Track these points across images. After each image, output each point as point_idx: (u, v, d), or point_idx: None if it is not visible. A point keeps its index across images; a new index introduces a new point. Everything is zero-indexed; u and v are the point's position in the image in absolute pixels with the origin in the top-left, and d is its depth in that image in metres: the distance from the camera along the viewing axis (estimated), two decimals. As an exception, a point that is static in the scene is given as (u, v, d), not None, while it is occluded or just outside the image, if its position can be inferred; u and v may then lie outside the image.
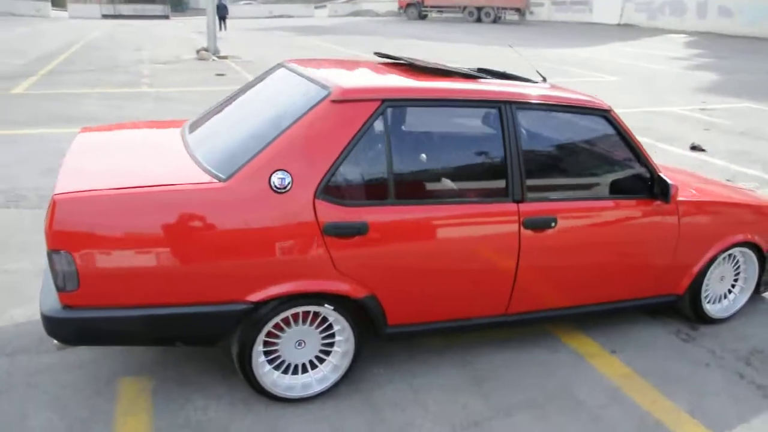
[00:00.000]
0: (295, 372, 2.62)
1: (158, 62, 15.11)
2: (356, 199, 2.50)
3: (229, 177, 2.35)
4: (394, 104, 2.56)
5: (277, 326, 2.51)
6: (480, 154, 2.88)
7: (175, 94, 10.16)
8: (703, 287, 3.30)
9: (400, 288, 2.61)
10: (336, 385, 2.67)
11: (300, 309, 2.49)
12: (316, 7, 48.32)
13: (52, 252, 2.19)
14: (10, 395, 2.56)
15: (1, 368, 2.72)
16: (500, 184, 2.71)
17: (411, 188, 2.66)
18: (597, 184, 3.08)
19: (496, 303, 2.82)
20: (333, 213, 2.41)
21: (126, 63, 14.63)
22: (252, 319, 2.42)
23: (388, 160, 2.51)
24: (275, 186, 2.35)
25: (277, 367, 2.58)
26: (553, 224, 2.74)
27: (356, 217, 2.44)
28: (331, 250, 2.42)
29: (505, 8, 36.42)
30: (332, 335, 2.61)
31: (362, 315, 2.58)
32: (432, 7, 38.23)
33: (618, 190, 2.97)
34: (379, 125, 2.50)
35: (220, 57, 16.48)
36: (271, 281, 2.39)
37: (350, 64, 3.21)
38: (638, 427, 2.58)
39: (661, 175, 2.94)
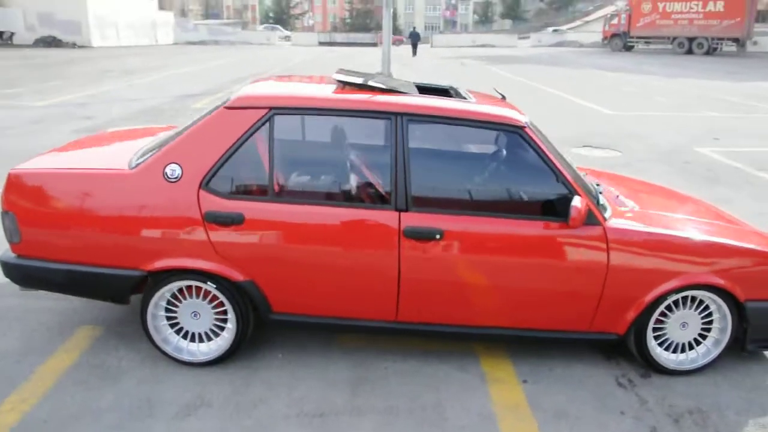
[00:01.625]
0: (194, 339, 3.01)
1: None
2: (236, 192, 2.83)
3: (135, 167, 2.86)
4: (282, 112, 2.84)
5: (175, 296, 2.93)
6: (367, 161, 2.99)
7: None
8: (649, 331, 2.98)
9: (279, 278, 2.86)
10: (233, 359, 3.01)
11: (186, 283, 2.88)
12: (519, 38, 48.45)
13: (3, 212, 2.89)
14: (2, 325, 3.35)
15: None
16: (384, 191, 2.82)
17: (291, 189, 2.90)
18: (500, 202, 2.98)
19: (383, 308, 2.91)
20: (213, 203, 2.78)
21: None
22: (148, 286, 2.88)
23: (270, 161, 2.80)
24: (167, 176, 2.79)
25: (178, 332, 3.00)
26: (438, 236, 2.77)
27: (233, 208, 2.77)
28: (211, 235, 2.79)
29: (721, 38, 32.87)
30: (225, 312, 2.95)
31: (246, 298, 2.89)
32: (638, 38, 35.97)
33: (526, 209, 2.88)
34: (264, 130, 2.81)
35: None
36: (160, 255, 2.83)
37: (299, 79, 3.45)
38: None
39: (577, 197, 2.74)
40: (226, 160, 2.79)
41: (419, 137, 2.90)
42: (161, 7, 46.83)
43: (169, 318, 2.98)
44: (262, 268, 2.84)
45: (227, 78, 17.39)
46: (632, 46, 36.65)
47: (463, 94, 3.18)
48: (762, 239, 3.08)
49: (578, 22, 58.24)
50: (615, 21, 37.11)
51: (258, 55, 31.49)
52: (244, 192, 2.85)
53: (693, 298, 2.96)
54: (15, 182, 2.89)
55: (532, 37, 48.63)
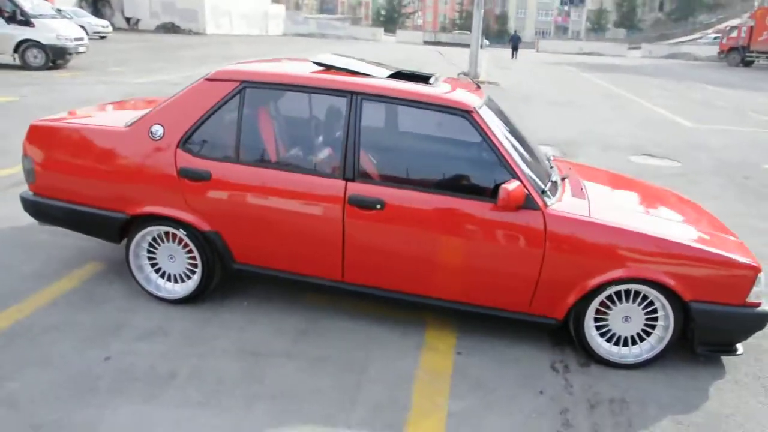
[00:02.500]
0: (173, 280, 3.40)
1: (416, 83, 16.92)
2: (207, 153, 3.16)
3: (129, 126, 3.29)
4: (252, 86, 3.14)
5: (154, 239, 3.34)
6: (323, 134, 3.23)
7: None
8: (587, 320, 3.04)
9: (240, 232, 3.18)
10: (204, 301, 3.40)
11: (164, 228, 3.27)
12: (630, 48, 46.44)
13: (23, 156, 3.42)
14: (26, 251, 3.92)
15: (23, 238, 4.10)
16: (335, 162, 3.07)
17: (254, 154, 3.19)
18: (442, 180, 3.11)
19: (330, 268, 3.15)
20: (187, 161, 3.14)
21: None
22: (132, 227, 3.31)
23: (238, 128, 3.12)
24: (152, 134, 3.19)
25: (158, 272, 3.41)
26: (378, 206, 2.98)
27: (203, 166, 3.13)
28: (184, 189, 3.16)
29: None
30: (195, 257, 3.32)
31: (212, 247, 3.24)
32: (759, 53, 33.39)
33: (466, 189, 2.99)
34: (235, 101, 3.13)
35: (477, 81, 17.61)
36: (142, 203, 3.23)
37: (288, 61, 3.66)
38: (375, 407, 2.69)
39: (513, 181, 2.84)
40: (201, 124, 3.15)
41: (373, 116, 3.12)
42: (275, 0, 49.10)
43: (150, 259, 3.39)
44: (225, 222, 3.18)
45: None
46: (752, 61, 34.09)
47: (439, 82, 3.34)
48: (729, 246, 3.02)
49: (697, 35, 54.87)
50: (734, 34, 34.66)
51: (356, 49, 32.30)
52: (214, 153, 3.18)
53: (637, 293, 2.98)
54: (33, 132, 3.41)
55: (643, 47, 46.41)
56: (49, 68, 14.01)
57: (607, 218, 2.96)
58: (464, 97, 3.07)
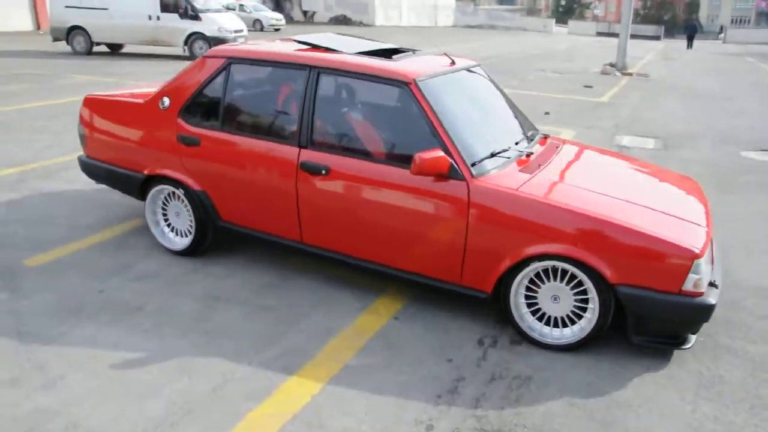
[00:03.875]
0: (180, 235, 3.98)
1: (557, 72, 16.38)
2: (198, 122, 3.66)
3: (146, 100, 3.90)
4: (236, 62, 3.57)
5: (165, 198, 3.94)
6: (287, 105, 3.50)
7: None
8: (512, 295, 3.03)
9: (222, 192, 3.64)
10: (207, 254, 3.94)
11: (168, 188, 3.85)
12: None
13: (78, 124, 4.22)
14: (90, 208, 4.78)
15: (95, 197, 4.95)
16: (293, 130, 3.39)
17: (233, 122, 3.61)
18: (381, 149, 3.26)
19: (291, 229, 3.49)
20: (183, 128, 3.68)
21: (526, 70, 16.41)
22: (148, 186, 3.94)
23: (222, 100, 3.59)
24: (162, 105, 3.78)
25: (169, 227, 4.01)
26: (324, 172, 3.25)
27: (194, 133, 3.64)
28: (181, 153, 3.70)
29: None
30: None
31: (203, 205, 3.75)
32: None
33: (403, 159, 3.09)
34: (222, 75, 3.59)
35: (624, 73, 16.58)
36: (154, 164, 3.83)
37: (280, 41, 4.00)
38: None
39: (435, 151, 2.91)
40: (196, 96, 3.66)
41: (327, 89, 3.38)
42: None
43: (164, 215, 4.00)
44: (210, 182, 3.66)
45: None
46: None
47: (406, 58, 3.51)
48: (676, 232, 2.82)
49: None
50: None
51: (517, 40, 31.73)
52: (203, 122, 3.67)
53: (566, 272, 2.92)
54: (86, 103, 4.18)
55: None
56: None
57: (535, 193, 2.92)
58: (406, 69, 3.20)
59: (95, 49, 16.32)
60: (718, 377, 2.85)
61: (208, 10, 16.25)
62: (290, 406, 2.56)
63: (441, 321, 3.27)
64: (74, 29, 16.27)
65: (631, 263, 2.76)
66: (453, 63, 3.61)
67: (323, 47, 3.54)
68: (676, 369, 2.90)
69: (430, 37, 28.97)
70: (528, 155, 3.37)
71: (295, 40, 3.73)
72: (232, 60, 3.59)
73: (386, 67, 3.23)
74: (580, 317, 2.97)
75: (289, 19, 39.85)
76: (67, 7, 16.12)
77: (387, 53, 3.55)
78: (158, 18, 15.99)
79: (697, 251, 2.70)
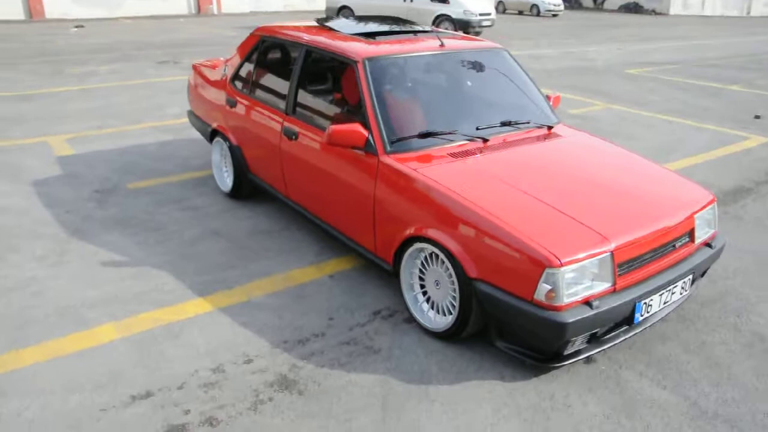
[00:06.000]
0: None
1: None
2: (238, 88, 4.36)
3: (218, 69, 4.75)
4: (265, 39, 4.17)
5: (222, 148, 4.78)
6: (285, 77, 3.91)
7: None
8: (402, 273, 3.09)
9: (248, 147, 4.32)
10: (250, 199, 4.66)
11: (221, 140, 4.67)
12: None
13: (188, 86, 5.29)
14: (199, 151, 5.88)
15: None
16: (284, 101, 3.86)
17: (255, 90, 4.19)
18: (331, 118, 3.56)
19: (281, 184, 4.00)
20: (230, 93, 4.44)
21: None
22: (213, 136, 4.82)
23: (254, 70, 4.23)
24: (223, 74, 4.60)
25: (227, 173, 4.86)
26: (294, 137, 3.68)
27: (234, 96, 4.38)
28: (226, 113, 4.49)
29: None
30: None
31: (238, 157, 4.47)
32: None
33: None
34: (256, 49, 4.23)
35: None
36: (215, 120, 4.69)
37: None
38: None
39: (353, 124, 3.09)
40: (240, 67, 4.38)
41: (311, 64, 3.75)
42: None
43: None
44: (241, 138, 4.36)
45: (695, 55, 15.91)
46: None
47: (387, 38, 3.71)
48: (551, 233, 2.60)
49: None
50: None
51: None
52: (241, 87, 4.36)
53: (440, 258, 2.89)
54: (193, 69, 5.21)
55: None
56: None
57: (430, 176, 2.92)
58: (359, 49, 3.42)
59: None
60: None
61: (456, -7, 16.97)
62: (175, 316, 3.14)
63: (366, 288, 3.46)
64: (343, 8, 18.56)
65: (491, 260, 2.63)
66: (442, 45, 3.65)
67: (327, 27, 3.92)
68: (519, 393, 2.67)
69: (711, 31, 25.27)
70: (485, 141, 3.30)
71: (315, 20, 4.17)
72: (264, 37, 4.20)
73: (344, 47, 3.49)
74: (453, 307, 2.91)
75: (577, 5, 38.45)
76: (339, -11, 18.49)
77: (374, 35, 3.75)
78: (412, 0, 17.28)
79: (553, 260, 2.45)
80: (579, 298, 2.52)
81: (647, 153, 6.02)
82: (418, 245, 2.94)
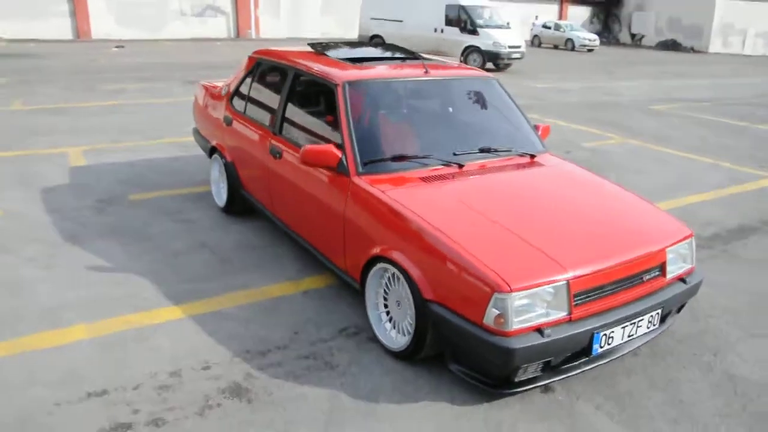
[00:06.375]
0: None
1: None
2: (234, 107, 4.49)
3: (218, 89, 4.91)
4: (261, 61, 4.31)
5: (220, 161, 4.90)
6: (276, 99, 4.01)
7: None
8: (366, 293, 3.12)
9: (240, 164, 4.43)
10: (241, 217, 4.80)
11: (218, 156, 4.79)
12: None
13: (192, 106, 5.48)
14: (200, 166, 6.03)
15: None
16: (275, 120, 3.96)
17: (248, 109, 4.32)
18: (310, 139, 3.59)
19: (267, 200, 4.08)
20: (228, 111, 4.59)
21: None
22: (213, 151, 4.94)
23: (248, 90, 4.36)
24: (223, 91, 4.76)
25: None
26: (278, 156, 3.78)
27: (230, 114, 4.52)
28: (223, 131, 4.63)
29: None
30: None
31: (231, 174, 4.59)
32: None
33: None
34: (252, 72, 4.37)
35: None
36: (214, 137, 4.84)
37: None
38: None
39: (327, 145, 3.20)
40: (237, 87, 4.53)
41: (299, 87, 3.85)
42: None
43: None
44: (235, 155, 4.48)
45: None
46: None
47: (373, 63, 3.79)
48: (507, 256, 2.61)
49: None
50: None
51: None
52: (236, 107, 4.50)
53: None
54: (198, 87, 5.39)
55: None
56: (486, 70, 16.69)
57: (396, 198, 2.96)
58: (340, 73, 3.51)
59: (389, 57, 18.72)
60: None
61: (487, 26, 17.11)
62: (147, 321, 3.22)
63: (337, 306, 3.48)
64: (374, 38, 18.93)
65: (446, 283, 2.64)
66: (426, 72, 3.71)
67: (319, 51, 4.03)
68: (466, 418, 2.64)
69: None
70: (460, 166, 3.34)
71: (308, 44, 4.30)
72: (259, 60, 4.35)
73: (327, 71, 3.59)
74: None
75: (614, 41, 38.34)
76: (372, 18, 18.89)
77: (361, 60, 3.84)
78: (442, 31, 17.57)
79: (503, 285, 2.43)
80: (530, 324, 2.50)
81: (653, 188, 5.97)
82: (381, 265, 2.97)
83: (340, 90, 3.41)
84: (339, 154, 3.19)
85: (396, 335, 3.02)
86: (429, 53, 16.05)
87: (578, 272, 2.58)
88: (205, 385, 2.72)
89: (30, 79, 11.78)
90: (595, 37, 29.90)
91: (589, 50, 29.30)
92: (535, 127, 4.03)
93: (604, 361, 2.82)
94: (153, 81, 12.05)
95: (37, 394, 2.60)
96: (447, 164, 3.33)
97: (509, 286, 2.43)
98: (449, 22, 17.41)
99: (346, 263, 3.28)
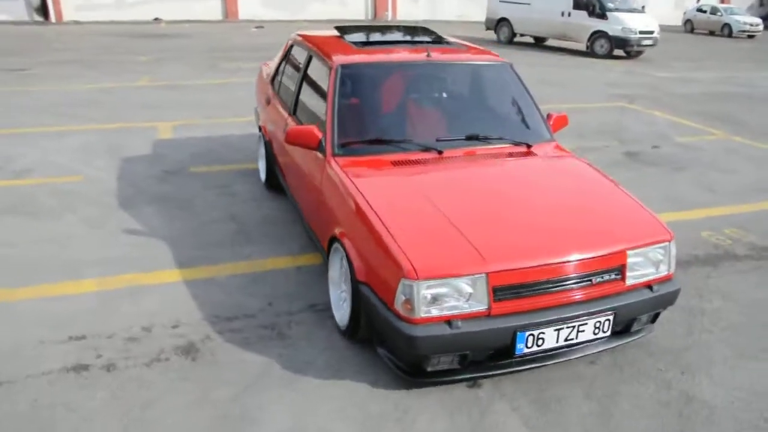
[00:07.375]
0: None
1: None
2: (273, 87, 4.82)
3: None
4: (293, 44, 4.58)
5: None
6: (296, 81, 4.21)
7: None
8: (330, 272, 3.26)
9: (273, 141, 4.74)
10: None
11: (260, 133, 5.16)
12: None
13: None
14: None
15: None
16: (292, 101, 4.21)
17: (280, 88, 4.61)
18: (310, 118, 3.76)
19: (284, 177, 4.39)
20: (268, 92, 4.94)
21: None
22: (260, 129, 5.32)
23: (282, 72, 4.66)
24: (267, 75, 5.11)
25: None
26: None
27: (269, 95, 4.86)
28: (264, 109, 4.99)
29: None
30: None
31: (268, 150, 4.93)
32: None
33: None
34: (287, 53, 4.67)
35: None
36: (260, 116, 5.23)
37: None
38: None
39: (310, 127, 3.38)
40: (277, 68, 4.85)
41: (313, 67, 4.02)
42: None
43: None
44: (270, 134, 4.82)
45: None
46: None
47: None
48: (432, 244, 2.67)
49: None
50: None
51: None
52: (274, 88, 4.81)
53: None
54: (260, 68, 5.80)
55: None
56: (613, 57, 15.78)
57: (356, 181, 3.07)
58: (339, 57, 3.66)
59: (517, 39, 18.32)
60: None
61: (618, 10, 16.05)
62: (147, 281, 3.66)
63: (319, 284, 3.63)
64: (502, 21, 18.51)
65: (373, 265, 2.73)
66: (428, 56, 3.75)
67: (339, 35, 4.22)
68: (377, 401, 2.72)
69: None
70: (439, 152, 3.38)
71: (335, 27, 4.50)
72: (293, 42, 4.62)
73: (331, 54, 3.75)
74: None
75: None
76: (501, 1, 18.45)
77: (372, 44, 3.96)
78: (569, 14, 16.75)
79: (410, 272, 2.48)
80: (442, 315, 2.53)
81: (726, 189, 5.48)
82: (335, 245, 3.12)
83: (333, 73, 3.57)
84: (320, 135, 3.37)
85: (345, 315, 3.17)
86: (556, 38, 15.59)
87: (500, 267, 2.55)
88: (166, 342, 3.07)
89: (166, 57, 13.10)
90: (759, 21, 26.65)
91: (750, 36, 26.21)
92: (547, 116, 3.91)
93: (539, 364, 2.77)
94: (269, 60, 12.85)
95: (34, 333, 3.09)
96: (425, 149, 3.37)
97: (416, 274, 2.47)
98: (577, 5, 16.51)
99: (320, 240, 3.47)
